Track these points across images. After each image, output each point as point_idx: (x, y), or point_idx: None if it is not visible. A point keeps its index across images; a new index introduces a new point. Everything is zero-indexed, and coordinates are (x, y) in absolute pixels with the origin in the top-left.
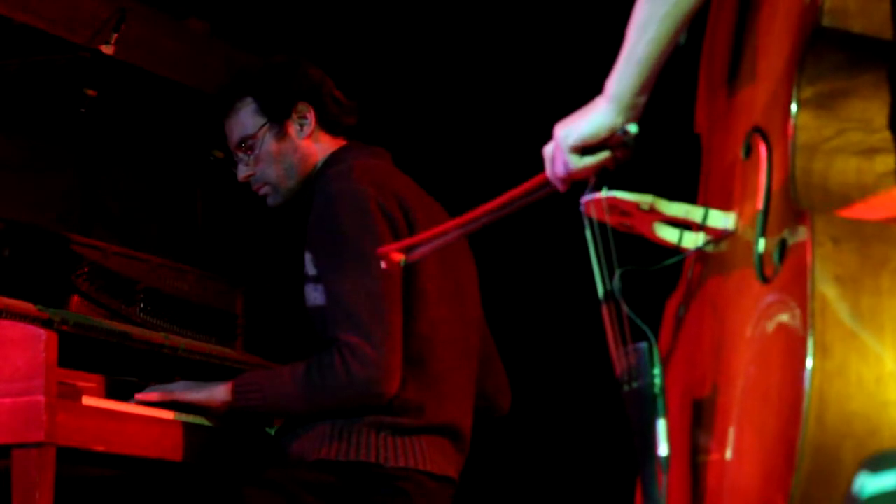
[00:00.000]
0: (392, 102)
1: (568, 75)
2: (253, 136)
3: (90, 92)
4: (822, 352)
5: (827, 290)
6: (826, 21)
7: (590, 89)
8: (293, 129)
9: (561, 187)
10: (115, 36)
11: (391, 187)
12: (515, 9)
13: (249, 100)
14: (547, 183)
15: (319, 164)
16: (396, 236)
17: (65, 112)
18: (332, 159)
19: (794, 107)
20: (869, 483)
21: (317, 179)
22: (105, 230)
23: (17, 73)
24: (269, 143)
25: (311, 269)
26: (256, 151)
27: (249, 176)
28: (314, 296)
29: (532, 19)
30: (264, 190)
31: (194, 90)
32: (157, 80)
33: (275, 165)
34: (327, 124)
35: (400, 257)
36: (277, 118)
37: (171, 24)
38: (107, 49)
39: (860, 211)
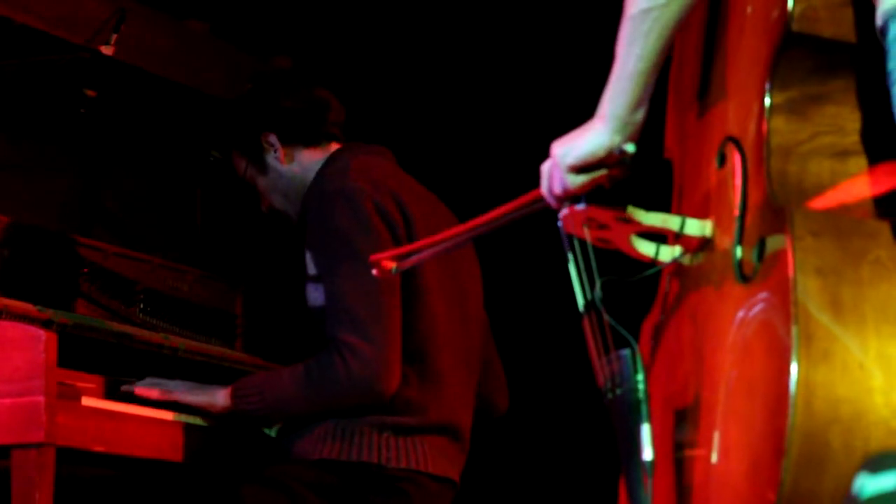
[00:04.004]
0: (392, 102)
1: (573, 87)
2: (244, 177)
3: (90, 92)
4: (807, 340)
5: (809, 281)
6: (796, 27)
7: (593, 104)
8: (271, 159)
9: (555, 204)
10: (114, 36)
11: (388, 186)
12: (520, 22)
13: (231, 146)
14: (541, 199)
15: (314, 174)
16: (393, 235)
17: (65, 112)
18: (330, 160)
19: (767, 111)
20: (869, 483)
21: (313, 180)
22: (105, 230)
23: (16, 74)
24: (258, 179)
25: (310, 269)
26: (257, 186)
27: (267, 207)
28: (314, 295)
29: (539, 33)
30: (282, 214)
31: (194, 90)
32: (157, 81)
33: (273, 196)
34: (301, 139)
35: (391, 265)
36: (253, 155)
37: (171, 24)
38: (106, 49)
39: (826, 200)
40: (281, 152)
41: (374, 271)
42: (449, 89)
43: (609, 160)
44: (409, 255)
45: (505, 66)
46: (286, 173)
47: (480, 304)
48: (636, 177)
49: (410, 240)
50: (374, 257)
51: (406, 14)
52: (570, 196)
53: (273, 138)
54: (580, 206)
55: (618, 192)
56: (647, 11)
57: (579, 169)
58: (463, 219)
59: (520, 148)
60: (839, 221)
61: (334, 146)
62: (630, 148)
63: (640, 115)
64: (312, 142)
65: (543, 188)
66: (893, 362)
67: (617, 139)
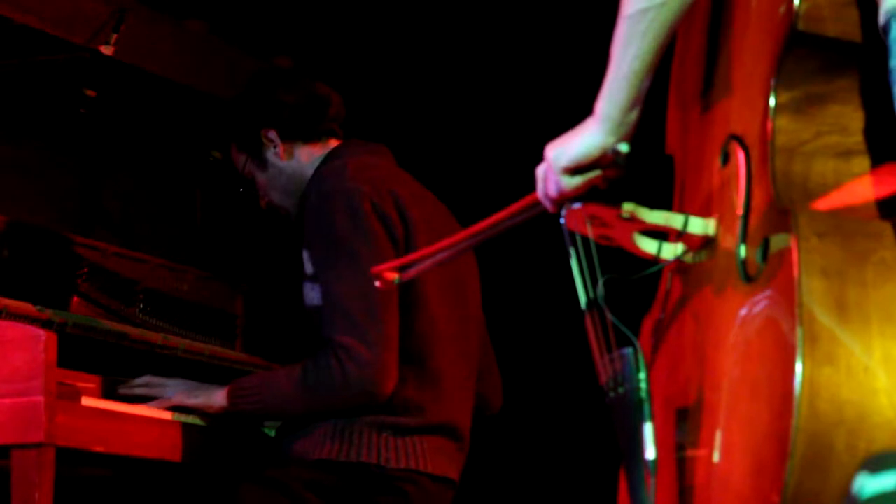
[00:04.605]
0: (392, 103)
1: (575, 86)
2: (243, 172)
3: (89, 92)
4: (812, 341)
5: (813, 282)
6: (801, 25)
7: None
8: (270, 155)
9: (551, 207)
10: (114, 36)
11: (387, 185)
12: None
13: (230, 141)
14: (537, 203)
15: (313, 170)
16: (391, 235)
17: (64, 112)
18: (328, 157)
19: (772, 111)
20: (869, 483)
21: (311, 178)
22: (105, 230)
23: (16, 73)
24: (257, 175)
25: (308, 268)
26: (256, 182)
27: (266, 203)
28: (311, 295)
29: (537, 35)
30: (282, 212)
31: (194, 90)
32: (157, 81)
33: (272, 192)
34: (301, 135)
35: (394, 276)
36: (253, 151)
37: (170, 24)
38: (106, 49)
39: (831, 201)
40: (280, 148)
41: (377, 283)
42: (449, 89)
43: (603, 161)
44: (410, 265)
45: (505, 65)
46: (285, 169)
47: (479, 303)
48: (637, 173)
49: (408, 241)
50: (375, 269)
51: (406, 14)
52: (565, 198)
53: (273, 134)
54: (577, 205)
55: (620, 189)
56: (643, 12)
57: (574, 170)
58: (461, 218)
59: (519, 147)
60: (844, 222)
61: (333, 142)
62: (624, 148)
63: (634, 115)
64: (312, 138)
65: (539, 191)
66: None
67: (611, 140)
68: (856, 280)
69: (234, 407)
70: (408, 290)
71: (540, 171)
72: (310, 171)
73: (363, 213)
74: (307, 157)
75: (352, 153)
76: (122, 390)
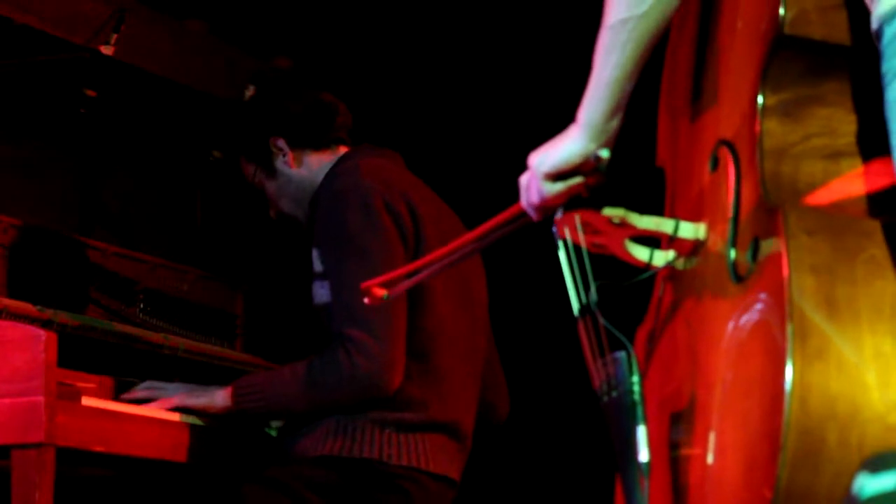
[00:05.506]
0: (392, 103)
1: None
2: (252, 182)
3: (90, 92)
4: (802, 338)
5: (803, 280)
6: (788, 29)
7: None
8: (279, 163)
9: (535, 216)
10: (114, 36)
11: (398, 186)
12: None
13: (238, 153)
14: (522, 213)
15: (323, 176)
16: (402, 234)
17: (65, 112)
18: (340, 161)
19: (759, 114)
20: (869, 483)
21: (323, 179)
22: (105, 230)
23: (16, 73)
24: (267, 184)
25: (317, 266)
26: (266, 192)
27: (276, 213)
28: (321, 293)
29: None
30: (291, 219)
31: (194, 90)
32: (157, 81)
33: (281, 201)
34: (310, 143)
35: (382, 292)
36: (261, 160)
37: (170, 24)
38: (106, 49)
39: (819, 199)
40: (290, 156)
41: (365, 300)
42: (450, 88)
43: (585, 167)
44: (399, 280)
45: (505, 64)
46: (295, 177)
47: (485, 304)
48: (628, 186)
49: (418, 240)
50: (364, 284)
51: (406, 14)
52: (547, 205)
53: (282, 142)
54: (559, 215)
55: (611, 198)
56: (624, 21)
57: (555, 176)
58: (466, 222)
59: (515, 151)
60: (833, 220)
61: (342, 149)
62: (604, 154)
63: (615, 122)
64: (321, 145)
65: (522, 200)
66: (888, 359)
67: (592, 146)
68: (846, 277)
69: (237, 406)
70: (415, 288)
71: (523, 179)
72: (320, 179)
73: (375, 211)
74: (317, 165)
75: (363, 156)
76: (123, 397)
